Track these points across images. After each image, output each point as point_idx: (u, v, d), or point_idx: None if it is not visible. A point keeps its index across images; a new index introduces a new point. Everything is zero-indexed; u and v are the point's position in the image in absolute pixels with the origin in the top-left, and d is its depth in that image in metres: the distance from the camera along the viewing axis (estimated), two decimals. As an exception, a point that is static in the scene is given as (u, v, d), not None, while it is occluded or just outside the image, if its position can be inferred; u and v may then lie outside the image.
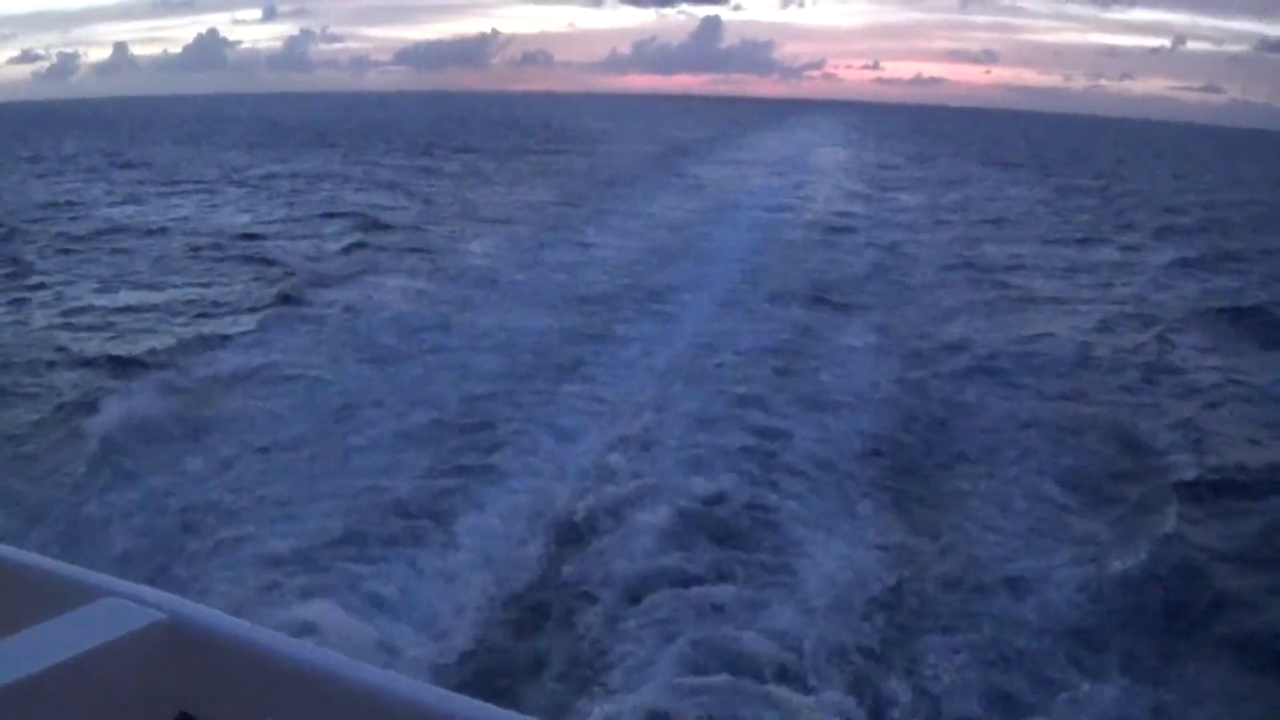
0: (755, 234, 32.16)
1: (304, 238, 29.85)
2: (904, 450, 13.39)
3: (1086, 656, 8.55)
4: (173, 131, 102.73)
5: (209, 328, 18.61)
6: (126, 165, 57.19)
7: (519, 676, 8.18)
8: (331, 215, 34.18)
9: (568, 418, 13.89)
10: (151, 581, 6.48)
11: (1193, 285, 26.84)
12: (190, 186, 44.96)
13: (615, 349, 17.62)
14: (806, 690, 7.81)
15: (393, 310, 20.05)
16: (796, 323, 20.03)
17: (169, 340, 17.76)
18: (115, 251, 27.43)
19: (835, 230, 33.55)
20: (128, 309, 20.56)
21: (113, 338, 18.25)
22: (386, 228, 31.42)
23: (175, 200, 39.77)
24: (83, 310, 20.43)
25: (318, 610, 8.75)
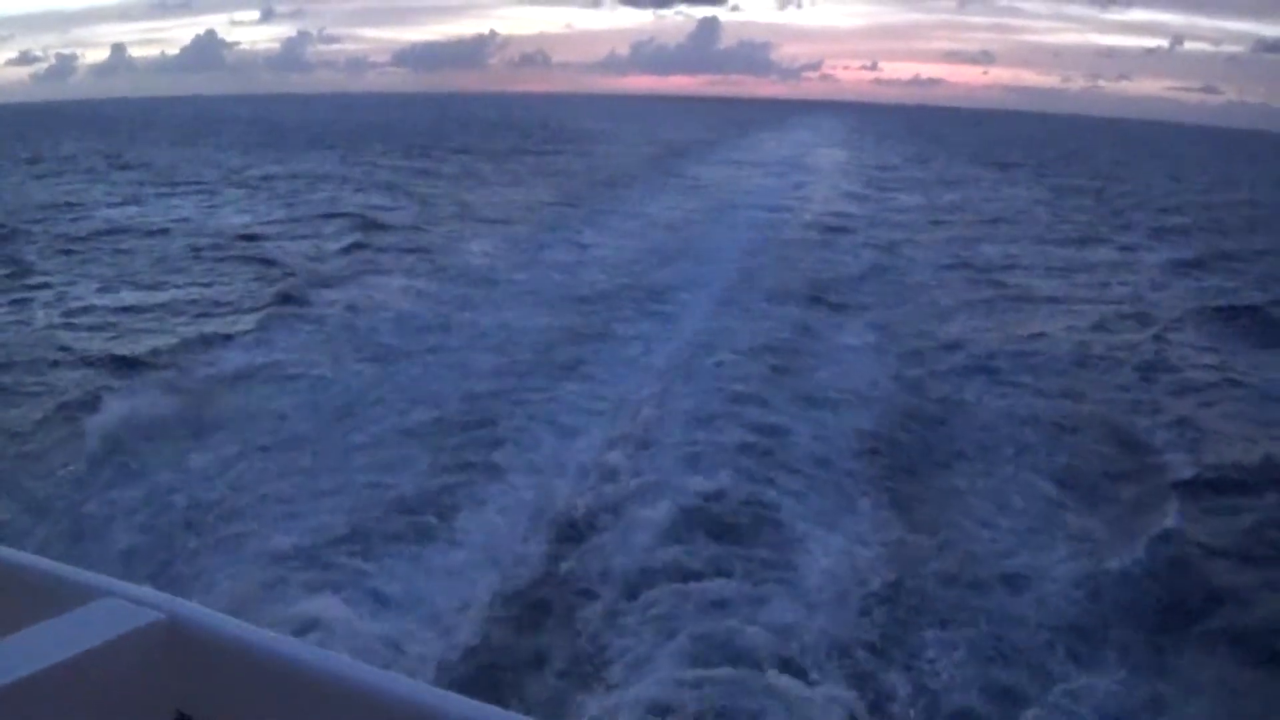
0: (753, 234, 32.20)
1: (304, 238, 29.89)
2: (902, 448, 13.46)
3: (1083, 650, 8.63)
4: (171, 133, 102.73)
5: (210, 327, 18.66)
6: (126, 166, 57.16)
7: (522, 672, 8.20)
8: (331, 216, 34.21)
9: (568, 415, 13.96)
10: (154, 578, 6.58)
11: (1189, 285, 26.97)
12: (189, 187, 44.97)
13: (614, 348, 17.69)
14: (807, 683, 7.87)
15: (393, 310, 20.12)
16: (795, 322, 20.10)
17: (171, 340, 17.83)
18: (116, 252, 27.45)
19: (833, 230, 33.60)
20: (130, 309, 20.61)
21: (115, 337, 18.30)
22: (386, 228, 31.47)
23: (175, 201, 39.77)
24: (85, 310, 20.48)
25: (321, 606, 8.80)
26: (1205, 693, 8.17)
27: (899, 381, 16.31)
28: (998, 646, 8.66)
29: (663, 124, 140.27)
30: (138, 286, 22.91)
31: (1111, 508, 11.77)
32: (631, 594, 9.21)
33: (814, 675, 8.00)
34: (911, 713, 7.77)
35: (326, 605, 8.83)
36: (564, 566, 9.85)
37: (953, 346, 18.76)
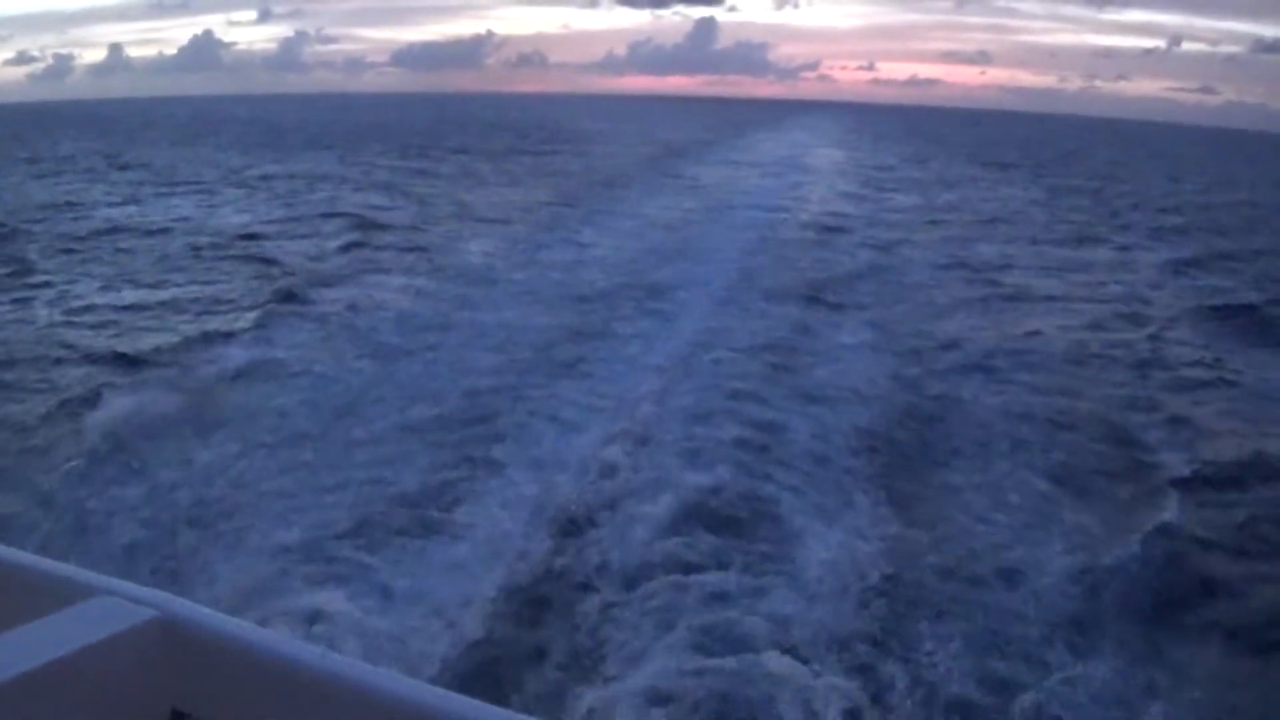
0: (751, 234, 32.27)
1: (303, 237, 29.96)
2: (899, 444, 13.56)
3: (1079, 642, 8.73)
4: (169, 133, 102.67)
5: (211, 325, 18.72)
6: (125, 166, 57.17)
7: (524, 665, 8.27)
8: (330, 215, 34.24)
9: (568, 412, 14.06)
10: (157, 574, 6.69)
11: (1186, 284, 27.09)
12: (189, 187, 45.00)
13: (614, 346, 17.77)
14: (806, 673, 7.97)
15: (393, 308, 20.22)
16: (792, 321, 20.21)
17: (172, 338, 17.91)
18: (117, 251, 27.53)
19: (830, 230, 33.68)
20: (131, 307, 20.68)
21: (117, 335, 18.37)
22: (385, 228, 31.54)
23: (174, 201, 39.82)
24: (86, 308, 20.55)
25: (324, 601, 8.89)
26: (1199, 683, 8.27)
27: (896, 379, 16.41)
28: (994, 638, 8.77)
29: (660, 124, 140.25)
30: (139, 285, 22.99)
31: (1107, 503, 11.87)
32: (632, 586, 9.31)
33: (813, 665, 8.10)
34: (909, 703, 7.86)
35: (329, 600, 8.92)
36: (565, 560, 9.93)
37: (949, 345, 18.87)
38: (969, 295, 23.92)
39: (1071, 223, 40.04)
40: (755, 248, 29.66)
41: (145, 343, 17.66)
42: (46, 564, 2.23)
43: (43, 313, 20.23)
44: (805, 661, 8.14)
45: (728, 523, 10.68)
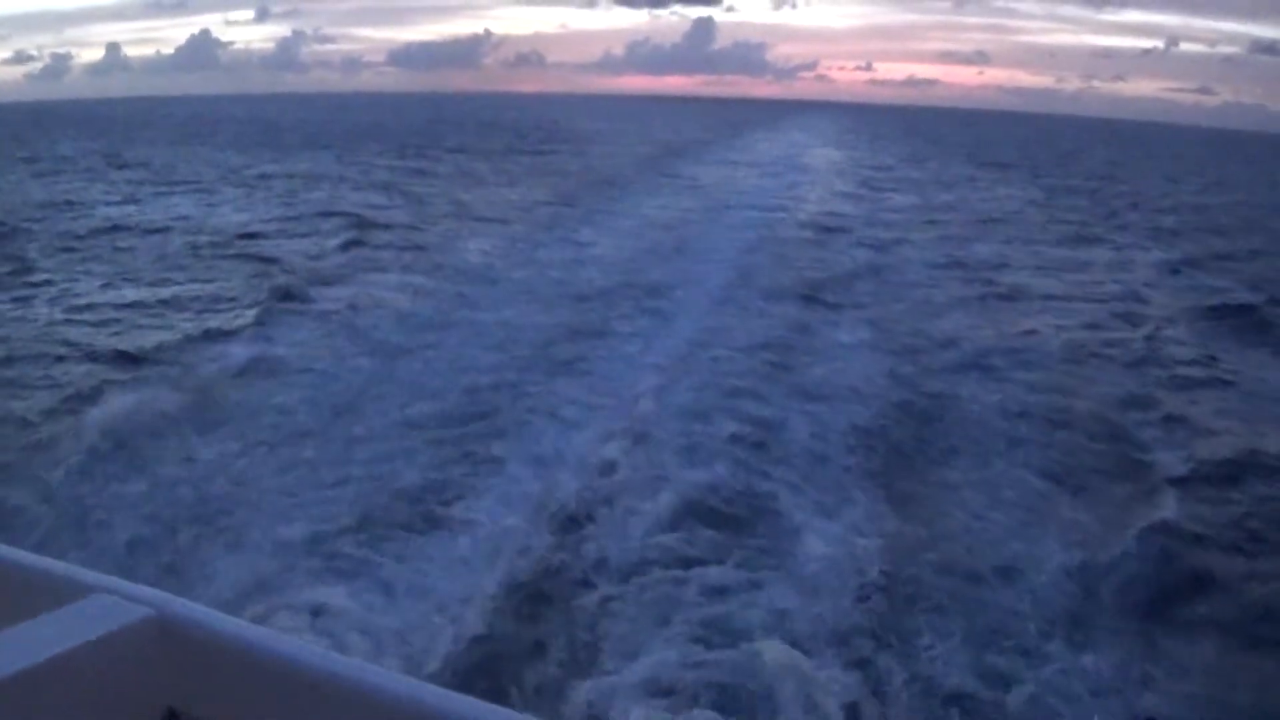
0: (749, 233, 32.35)
1: (303, 236, 30.03)
2: (896, 442, 13.64)
3: (1075, 636, 8.83)
4: (167, 132, 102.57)
5: (212, 323, 18.81)
6: (123, 165, 57.15)
7: (524, 660, 8.33)
8: (329, 214, 34.27)
9: (567, 410, 14.15)
10: (158, 570, 6.74)
11: (1181, 284, 27.16)
12: (187, 186, 45.01)
13: (613, 344, 17.87)
14: (804, 668, 8.06)
15: (392, 307, 20.30)
16: (790, 319, 20.30)
17: (174, 335, 18.01)
18: (117, 250, 27.61)
19: (828, 230, 33.77)
20: (131, 305, 20.75)
21: (118, 333, 18.44)
22: (384, 227, 31.59)
23: (173, 200, 39.84)
24: (88, 306, 20.62)
25: (327, 596, 8.97)
26: (1194, 676, 8.38)
27: (893, 378, 16.48)
28: (991, 632, 8.86)
29: (658, 124, 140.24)
30: (139, 283, 23.05)
31: (1103, 500, 11.97)
32: (631, 581, 9.39)
33: (812, 659, 8.19)
34: (906, 696, 7.94)
35: (331, 595, 9.00)
36: (565, 555, 9.99)
37: (947, 344, 18.97)
38: (966, 294, 24.03)
39: (1069, 223, 40.13)
40: (753, 247, 29.74)
41: (146, 340, 17.73)
42: (41, 561, 2.22)
43: (43, 310, 20.30)
44: (804, 655, 8.22)
45: (726, 519, 10.77)
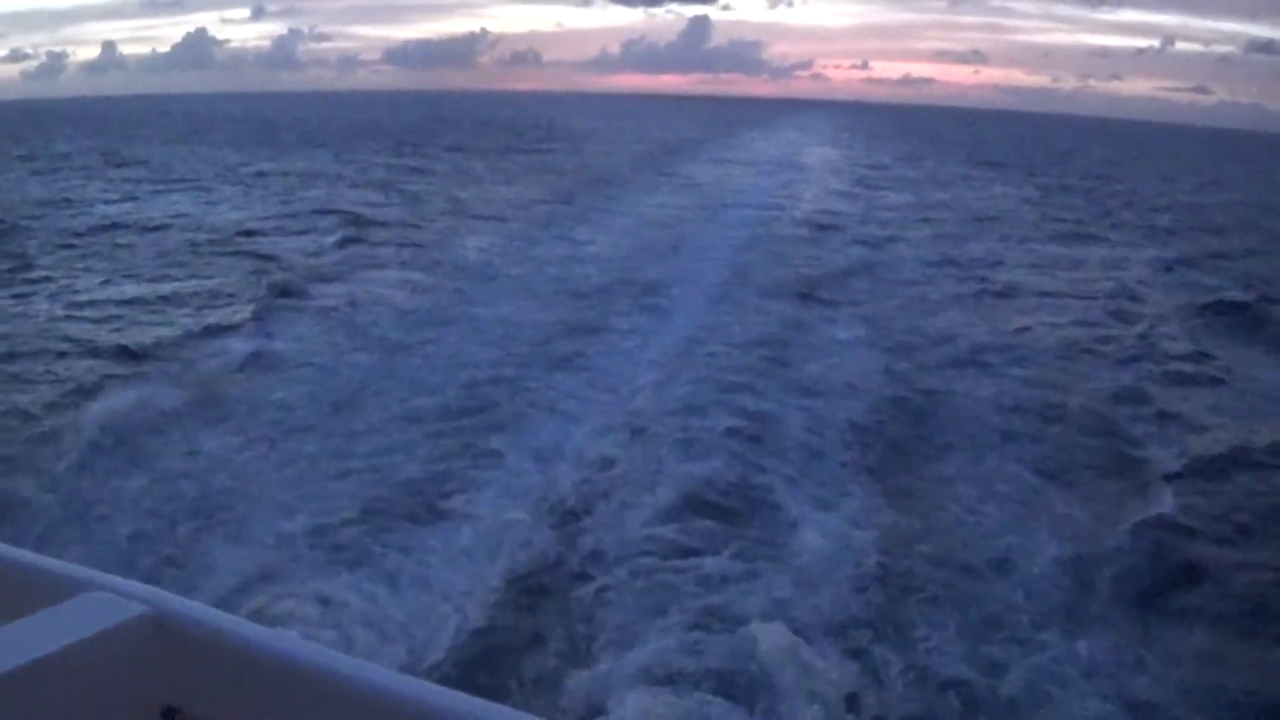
0: (745, 231, 32.45)
1: (301, 233, 30.13)
2: (891, 437, 13.76)
3: (1068, 625, 8.97)
4: (164, 130, 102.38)
5: (212, 319, 18.91)
6: (121, 163, 57.17)
7: (525, 650, 8.43)
8: (326, 212, 34.40)
9: (566, 404, 14.28)
10: (160, 562, 6.86)
11: (1175, 282, 27.28)
12: (185, 184, 45.05)
13: (611, 340, 18.00)
14: (801, 657, 8.17)
15: (390, 304, 20.40)
16: (785, 316, 20.41)
17: (174, 331, 18.10)
18: (116, 247, 27.70)
19: (823, 228, 33.89)
20: (132, 301, 20.84)
21: (119, 329, 18.53)
22: (382, 225, 31.69)
23: (172, 197, 39.88)
24: (88, 303, 20.69)
25: (329, 588, 9.06)
26: (1185, 662, 8.52)
27: (889, 374, 16.60)
28: (985, 622, 8.98)
29: (654, 123, 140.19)
30: (139, 280, 23.14)
31: (1095, 493, 12.10)
32: (630, 572, 9.50)
33: (809, 648, 8.29)
34: (901, 684, 8.06)
35: (333, 586, 9.09)
36: (564, 547, 10.11)
37: (941, 340, 19.10)
38: (961, 292, 24.16)
39: (1064, 221, 40.22)
40: (749, 245, 29.83)
41: (146, 336, 17.82)
42: (38, 559, 2.24)
43: (44, 307, 20.39)
44: (801, 645, 8.33)
45: (724, 511, 10.89)
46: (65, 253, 26.56)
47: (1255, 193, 65.92)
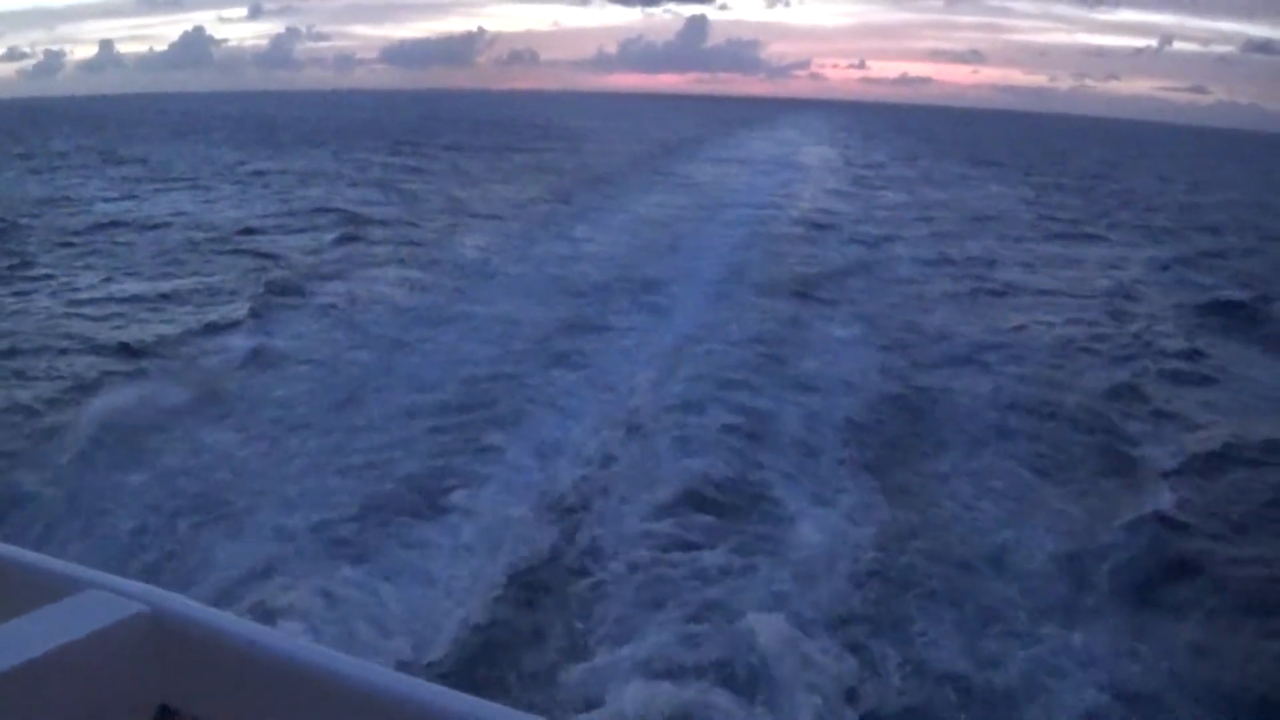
0: (742, 230, 32.47)
1: (300, 231, 30.19)
2: (888, 433, 13.84)
3: (1064, 618, 9.05)
4: (162, 129, 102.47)
5: (213, 317, 18.97)
6: (120, 162, 57.26)
7: (523, 644, 8.50)
8: (325, 211, 34.48)
9: (565, 401, 14.35)
10: (162, 557, 6.93)
11: (1171, 281, 27.38)
12: (184, 183, 45.12)
13: (609, 338, 18.06)
14: (800, 644, 8.26)
15: (390, 302, 20.46)
16: (783, 314, 20.46)
17: (175, 329, 18.17)
18: (116, 245, 27.76)
19: (821, 227, 33.92)
20: (133, 299, 20.90)
21: (119, 326, 18.60)
22: (380, 223, 31.72)
23: (171, 196, 39.95)
24: (88, 300, 20.75)
25: (330, 583, 9.11)
26: (1178, 654, 8.62)
27: (885, 371, 16.67)
28: (982, 616, 9.07)
29: (651, 122, 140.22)
30: (139, 278, 23.21)
31: (1090, 490, 12.18)
32: (629, 567, 9.57)
33: (807, 642, 8.37)
34: (899, 677, 8.14)
35: (334, 581, 9.14)
36: (564, 542, 10.19)
37: (938, 338, 19.19)
38: (957, 290, 24.25)
39: (1060, 220, 40.33)
40: (747, 244, 29.86)
41: (146, 333, 17.90)
42: (34, 557, 2.22)
43: (45, 304, 20.45)
44: (800, 637, 8.41)
45: (722, 507, 10.97)
46: (65, 251, 26.63)
47: (1252, 192, 66.02)
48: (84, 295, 21.23)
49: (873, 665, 8.26)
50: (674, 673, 7.88)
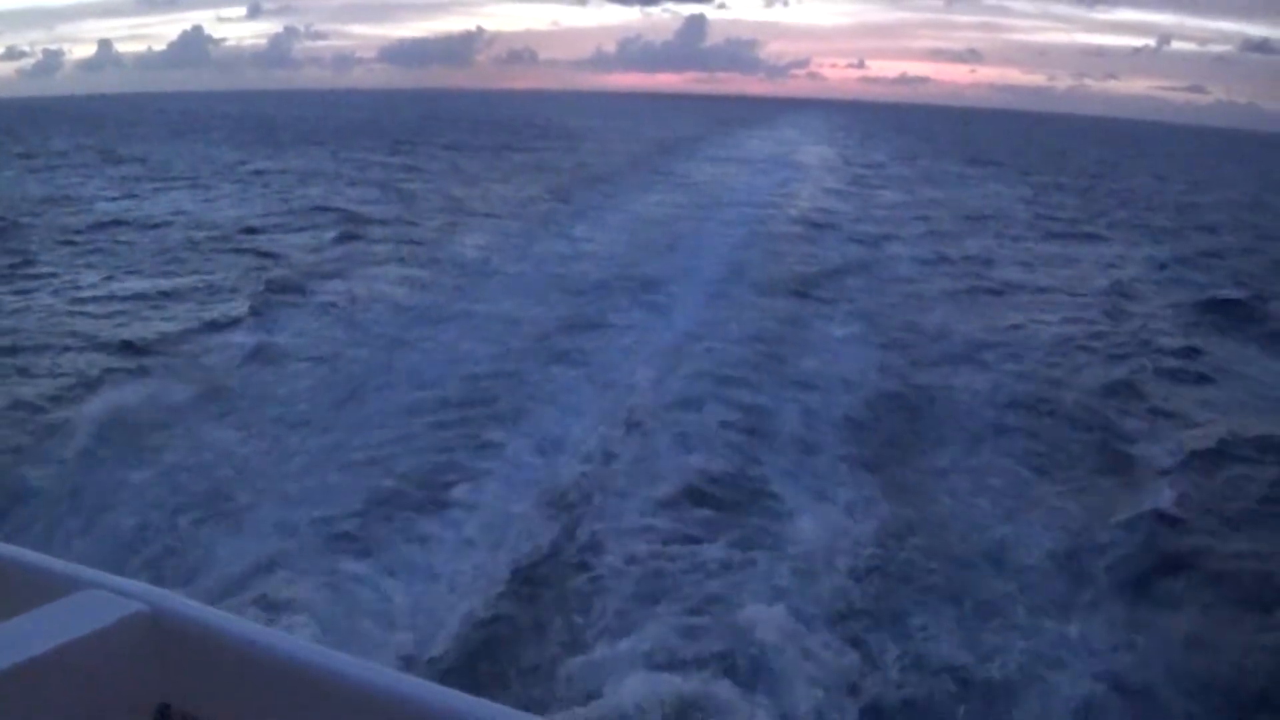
0: (741, 229, 32.48)
1: (300, 230, 30.26)
2: (887, 430, 13.88)
3: (1062, 612, 9.12)
4: (161, 128, 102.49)
5: (214, 314, 19.05)
6: (120, 161, 57.31)
7: (525, 638, 8.55)
8: (325, 209, 34.54)
9: (566, 398, 14.41)
10: (164, 553, 7.00)
11: (1170, 279, 27.45)
12: (184, 182, 45.21)
13: (609, 336, 18.10)
14: (800, 638, 8.34)
15: (390, 300, 20.50)
16: (782, 313, 20.53)
17: (176, 327, 18.24)
18: (116, 243, 27.84)
19: (819, 226, 33.97)
20: (134, 297, 20.97)
21: (121, 324, 18.66)
22: (380, 222, 31.77)
23: (171, 195, 40.05)
24: (90, 299, 20.82)
25: (332, 578, 9.18)
26: (1174, 645, 8.69)
27: (884, 369, 16.72)
28: (980, 610, 9.13)
29: (650, 121, 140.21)
30: (140, 276, 23.30)
31: (1087, 485, 12.25)
32: (628, 560, 9.64)
33: (806, 636, 8.44)
34: (898, 670, 8.20)
35: (337, 577, 9.21)
36: (565, 537, 10.23)
37: (936, 336, 19.24)
38: (955, 289, 24.31)
39: (1058, 219, 40.40)
40: (746, 243, 29.90)
41: (149, 331, 17.97)
42: (34, 557, 2.23)
43: (47, 302, 20.52)
44: (801, 630, 8.47)
45: (722, 502, 11.03)
46: (66, 249, 26.70)
47: (1250, 191, 66.11)
48: (86, 293, 21.31)
49: (872, 658, 8.31)
50: (674, 664, 7.94)
